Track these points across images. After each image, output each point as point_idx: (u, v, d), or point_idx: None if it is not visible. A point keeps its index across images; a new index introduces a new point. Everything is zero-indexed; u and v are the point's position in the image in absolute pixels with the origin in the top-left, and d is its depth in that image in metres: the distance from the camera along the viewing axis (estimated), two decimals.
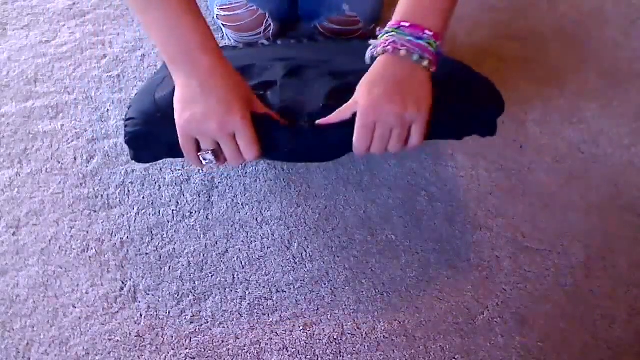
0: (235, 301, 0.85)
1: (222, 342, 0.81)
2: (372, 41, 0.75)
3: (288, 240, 0.91)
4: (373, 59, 0.74)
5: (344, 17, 1.11)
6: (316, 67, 0.84)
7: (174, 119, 0.71)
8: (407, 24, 0.71)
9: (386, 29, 0.73)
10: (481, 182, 0.98)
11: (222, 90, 0.69)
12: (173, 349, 0.81)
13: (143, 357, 0.80)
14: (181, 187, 0.97)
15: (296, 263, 0.89)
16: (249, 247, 0.90)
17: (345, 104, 0.74)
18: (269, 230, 0.92)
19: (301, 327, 0.82)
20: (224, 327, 0.82)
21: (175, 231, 0.92)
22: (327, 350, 0.80)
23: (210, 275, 0.88)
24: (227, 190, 0.97)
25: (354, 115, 0.72)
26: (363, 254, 0.90)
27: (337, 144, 0.76)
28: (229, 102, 0.69)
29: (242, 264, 0.89)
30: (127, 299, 0.85)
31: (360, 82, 0.73)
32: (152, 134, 0.76)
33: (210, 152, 0.71)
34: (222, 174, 0.99)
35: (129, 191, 0.97)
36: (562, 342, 0.81)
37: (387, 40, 0.72)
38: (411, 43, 0.71)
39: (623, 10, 1.28)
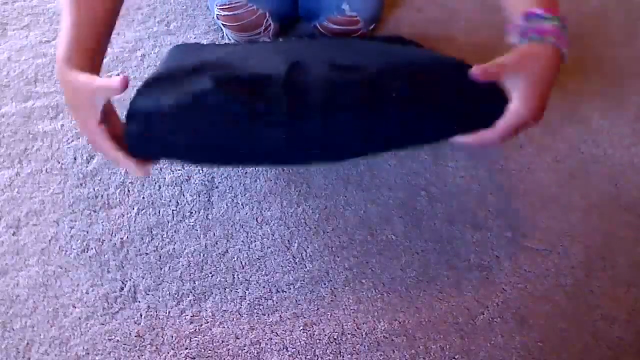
0: (235, 301, 0.85)
1: (222, 342, 0.81)
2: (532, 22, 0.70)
3: (288, 240, 0.91)
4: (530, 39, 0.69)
5: (344, 17, 1.11)
6: (317, 62, 0.80)
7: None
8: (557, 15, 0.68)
9: (547, 15, 0.68)
10: (481, 182, 0.98)
11: (75, 99, 0.70)
12: (173, 349, 0.81)
13: (143, 357, 0.80)
14: (181, 187, 0.97)
15: (296, 263, 0.89)
16: (249, 247, 0.91)
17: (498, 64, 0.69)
18: (269, 230, 0.92)
19: (301, 327, 0.82)
20: (224, 327, 0.82)
21: (175, 231, 0.92)
22: (327, 350, 0.80)
23: (210, 275, 0.88)
24: (227, 190, 0.97)
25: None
26: (363, 254, 0.90)
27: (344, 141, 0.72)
28: (82, 112, 0.70)
29: (242, 264, 0.89)
30: (127, 299, 0.85)
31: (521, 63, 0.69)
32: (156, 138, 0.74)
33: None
34: (222, 174, 0.99)
35: (129, 191, 0.97)
36: (562, 342, 0.81)
37: (555, 29, 0.67)
38: (565, 36, 0.66)
39: (623, 10, 1.28)
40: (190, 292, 0.86)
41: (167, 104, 0.72)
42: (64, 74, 0.70)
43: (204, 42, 1.19)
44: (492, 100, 0.78)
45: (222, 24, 1.15)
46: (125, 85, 0.67)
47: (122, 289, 0.86)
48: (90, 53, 0.73)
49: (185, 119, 0.72)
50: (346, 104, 0.72)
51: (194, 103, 0.72)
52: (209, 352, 0.80)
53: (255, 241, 0.91)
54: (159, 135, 0.73)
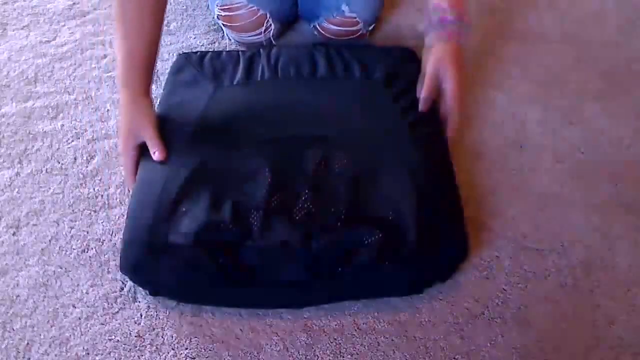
0: None
1: (222, 342, 0.81)
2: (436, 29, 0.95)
3: None
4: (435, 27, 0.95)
5: (344, 18, 1.11)
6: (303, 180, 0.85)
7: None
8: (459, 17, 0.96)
9: (451, 16, 0.95)
10: (481, 182, 0.98)
11: (123, 123, 0.89)
12: (173, 349, 0.80)
13: (143, 357, 0.80)
14: None
15: None
16: None
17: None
18: None
19: (301, 327, 0.82)
20: (224, 327, 0.82)
21: None
22: (327, 351, 0.80)
23: None
24: None
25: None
26: None
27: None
28: (121, 137, 0.89)
29: None
30: (127, 299, 0.85)
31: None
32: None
33: None
34: None
35: (129, 191, 0.97)
36: (562, 342, 0.81)
37: (458, 31, 0.96)
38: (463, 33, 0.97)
39: (623, 10, 1.28)
40: None
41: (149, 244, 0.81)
42: (131, 101, 0.87)
43: (204, 42, 1.19)
44: (452, 243, 0.85)
45: (223, 24, 1.15)
46: (160, 159, 0.87)
47: (122, 289, 0.86)
48: (147, 71, 0.89)
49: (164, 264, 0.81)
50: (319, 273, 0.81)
51: (171, 254, 0.80)
52: (209, 352, 0.80)
53: None
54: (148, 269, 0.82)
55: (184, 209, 0.81)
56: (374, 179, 0.85)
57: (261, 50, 1.06)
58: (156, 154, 0.86)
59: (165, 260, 0.80)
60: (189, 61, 1.05)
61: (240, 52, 1.06)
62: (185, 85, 1.00)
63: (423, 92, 0.94)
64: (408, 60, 1.06)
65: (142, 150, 0.89)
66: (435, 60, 0.94)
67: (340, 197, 0.83)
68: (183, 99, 0.97)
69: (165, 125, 0.91)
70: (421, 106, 0.95)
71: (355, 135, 0.90)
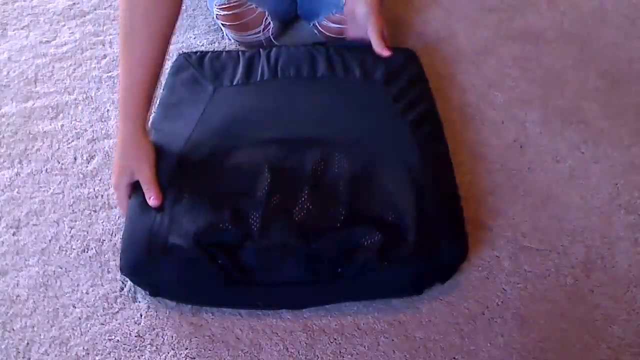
0: None
1: (222, 342, 0.81)
2: None
3: None
4: None
5: (343, 16, 1.11)
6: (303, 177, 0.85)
7: None
8: None
9: None
10: (481, 182, 0.98)
11: (119, 158, 0.86)
12: (173, 349, 0.81)
13: (143, 357, 0.80)
14: None
15: None
16: None
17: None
18: None
19: (301, 327, 0.82)
20: (224, 327, 0.82)
21: None
22: (327, 351, 0.80)
23: None
24: None
25: None
26: None
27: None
28: (115, 173, 0.86)
29: None
30: (127, 299, 0.85)
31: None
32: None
33: None
34: None
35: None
36: (562, 342, 0.81)
37: None
38: None
39: (623, 10, 1.28)
40: None
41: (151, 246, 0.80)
42: (130, 138, 0.84)
43: (204, 42, 1.19)
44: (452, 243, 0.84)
45: (222, 24, 1.15)
46: (155, 206, 0.82)
47: (122, 289, 0.86)
48: (148, 104, 0.86)
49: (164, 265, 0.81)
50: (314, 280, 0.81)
51: (171, 255, 0.80)
52: (209, 352, 0.80)
53: None
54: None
55: (183, 210, 0.81)
56: (373, 179, 0.85)
57: (261, 50, 1.06)
58: (152, 199, 0.82)
59: (165, 262, 0.80)
60: (189, 61, 1.05)
61: (240, 52, 1.06)
62: (184, 85, 1.00)
63: (382, 49, 1.02)
64: (408, 60, 1.06)
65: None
66: (378, 14, 1.03)
67: (339, 197, 0.82)
68: (182, 98, 0.97)
69: (163, 127, 0.91)
70: (385, 51, 1.02)
71: (355, 135, 0.90)
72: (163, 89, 1.02)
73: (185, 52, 1.09)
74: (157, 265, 0.80)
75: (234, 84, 0.99)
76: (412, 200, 0.82)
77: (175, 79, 1.02)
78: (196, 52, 1.08)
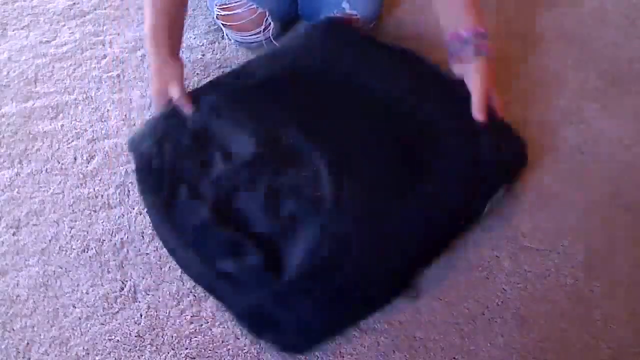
0: None
1: (222, 342, 0.81)
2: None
3: None
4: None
5: (344, 16, 1.11)
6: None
7: None
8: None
9: (484, 34, 0.95)
10: None
11: (153, 83, 0.97)
12: (173, 349, 0.81)
13: (143, 357, 0.80)
14: None
15: None
16: None
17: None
18: None
19: None
20: (224, 327, 0.82)
21: None
22: (327, 351, 0.80)
23: None
24: None
25: None
26: None
27: None
28: (154, 87, 0.97)
29: None
30: (127, 299, 0.85)
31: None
32: None
33: None
34: None
35: (129, 191, 0.97)
36: (562, 342, 0.81)
37: (489, 45, 0.96)
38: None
39: (623, 10, 1.28)
40: (190, 292, 0.86)
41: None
42: (161, 62, 0.95)
43: (204, 42, 1.19)
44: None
45: (222, 24, 1.15)
46: (188, 111, 0.95)
47: (122, 289, 0.86)
48: (177, 32, 1.00)
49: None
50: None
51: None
52: (209, 352, 0.80)
53: None
54: None
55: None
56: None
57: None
58: (185, 107, 0.94)
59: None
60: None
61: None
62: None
63: (479, 112, 0.93)
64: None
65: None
66: (485, 80, 0.94)
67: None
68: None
69: None
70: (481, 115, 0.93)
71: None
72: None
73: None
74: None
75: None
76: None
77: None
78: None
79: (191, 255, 0.83)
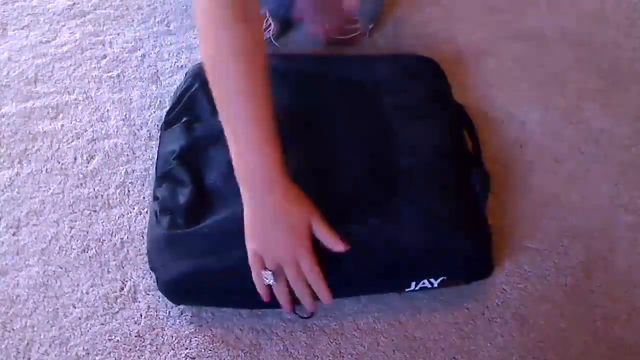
0: None
1: (222, 342, 0.81)
2: None
3: None
4: None
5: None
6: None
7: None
8: None
9: None
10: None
11: (292, 218, 0.72)
12: (173, 349, 0.81)
13: (143, 357, 0.80)
14: None
15: None
16: None
17: None
18: None
19: (301, 327, 0.82)
20: (224, 327, 0.82)
21: None
22: (327, 351, 0.80)
23: None
24: None
25: None
26: None
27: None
28: (298, 232, 0.72)
29: None
30: (127, 299, 0.85)
31: None
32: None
33: (271, 272, 0.74)
34: None
35: (129, 191, 0.97)
36: (562, 342, 0.81)
37: None
38: None
39: (623, 10, 1.28)
40: None
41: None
42: (289, 182, 0.73)
43: None
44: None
45: None
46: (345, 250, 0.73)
47: (122, 289, 0.86)
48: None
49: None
50: None
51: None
52: (209, 352, 0.80)
53: None
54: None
55: None
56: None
57: None
58: (339, 245, 0.73)
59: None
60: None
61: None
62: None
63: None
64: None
65: None
66: None
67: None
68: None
69: None
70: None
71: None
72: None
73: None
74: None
75: None
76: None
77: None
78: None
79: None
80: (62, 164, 1.01)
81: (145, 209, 0.94)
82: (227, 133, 0.72)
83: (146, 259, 0.88)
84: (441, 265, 0.81)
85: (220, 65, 0.72)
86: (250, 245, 0.74)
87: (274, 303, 0.78)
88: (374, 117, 0.94)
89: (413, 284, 0.81)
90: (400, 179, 0.85)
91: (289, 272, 0.73)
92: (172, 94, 1.04)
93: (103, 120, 1.07)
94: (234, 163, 0.73)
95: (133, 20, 1.25)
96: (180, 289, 0.80)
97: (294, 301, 0.77)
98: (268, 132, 0.71)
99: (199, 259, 0.79)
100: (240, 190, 0.74)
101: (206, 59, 0.74)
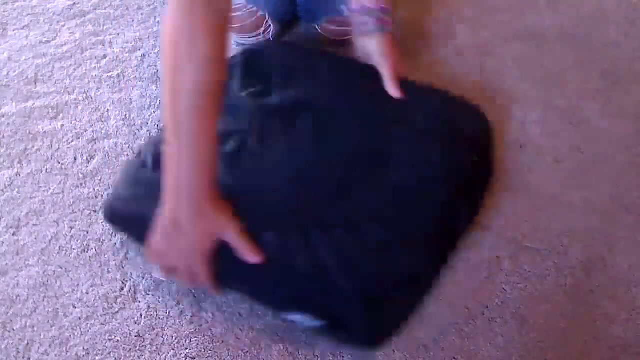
0: (235, 301, 0.85)
1: (222, 342, 0.81)
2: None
3: None
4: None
5: (344, 19, 1.11)
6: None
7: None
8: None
9: (388, 10, 0.97)
10: None
11: (196, 235, 0.76)
12: (173, 349, 0.81)
13: (143, 357, 0.80)
14: None
15: None
16: None
17: None
18: None
19: (301, 327, 0.82)
20: (224, 327, 0.82)
21: None
22: (327, 351, 0.80)
23: None
24: None
25: None
26: None
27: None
28: (199, 249, 0.76)
29: None
30: (127, 299, 0.85)
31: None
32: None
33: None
34: None
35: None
36: (562, 342, 0.81)
37: (390, 20, 0.97)
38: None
39: (623, 10, 1.28)
40: (190, 292, 0.86)
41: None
42: (209, 204, 0.75)
43: None
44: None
45: None
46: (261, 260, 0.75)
47: (122, 289, 0.86)
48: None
49: None
50: None
51: None
52: (209, 352, 0.80)
53: None
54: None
55: None
56: None
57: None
58: (250, 255, 0.76)
59: None
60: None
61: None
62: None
63: (397, 91, 0.92)
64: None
65: None
66: (394, 55, 0.95)
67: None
68: None
69: None
70: (397, 93, 0.93)
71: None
72: None
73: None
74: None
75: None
76: None
77: None
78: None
79: None
80: (62, 164, 1.01)
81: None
82: (169, 137, 0.73)
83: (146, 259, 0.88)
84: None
85: (179, 75, 0.71)
86: (150, 246, 0.79)
87: None
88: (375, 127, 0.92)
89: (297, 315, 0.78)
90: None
91: (179, 280, 0.80)
92: None
93: (103, 120, 1.07)
94: (167, 166, 0.75)
95: (133, 20, 1.25)
96: (117, 219, 0.88)
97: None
98: (209, 153, 0.74)
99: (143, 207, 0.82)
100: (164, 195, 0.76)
101: (166, 61, 0.73)
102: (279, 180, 0.85)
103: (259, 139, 0.88)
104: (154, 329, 0.82)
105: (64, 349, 0.81)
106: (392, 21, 0.97)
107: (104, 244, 0.91)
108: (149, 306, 0.84)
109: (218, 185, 0.76)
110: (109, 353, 0.80)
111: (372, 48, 0.96)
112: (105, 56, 1.18)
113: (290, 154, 0.88)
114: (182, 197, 0.74)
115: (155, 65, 1.15)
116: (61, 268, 0.88)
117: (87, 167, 1.00)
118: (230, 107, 0.89)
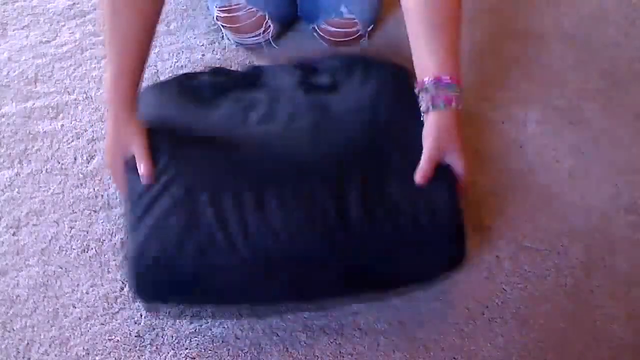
0: None
1: (222, 342, 0.81)
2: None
3: None
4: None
5: (342, 20, 1.11)
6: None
7: None
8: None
9: (452, 84, 0.80)
10: (481, 182, 0.98)
11: (116, 137, 0.83)
12: (173, 349, 0.81)
13: (143, 357, 0.80)
14: None
15: None
16: None
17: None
18: None
19: (301, 327, 0.82)
20: (224, 327, 0.82)
21: None
22: (327, 351, 0.80)
23: None
24: None
25: None
26: None
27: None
28: (112, 151, 0.84)
29: None
30: (127, 299, 0.85)
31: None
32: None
33: None
34: None
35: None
36: (562, 342, 0.81)
37: (457, 96, 0.80)
38: (461, 98, 0.81)
39: (623, 10, 1.28)
40: None
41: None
42: (121, 115, 0.83)
43: (204, 42, 1.19)
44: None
45: (222, 25, 1.15)
46: (147, 180, 0.79)
47: (122, 289, 0.86)
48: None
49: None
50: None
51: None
52: (209, 352, 0.80)
53: None
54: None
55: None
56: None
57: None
58: (142, 167, 0.79)
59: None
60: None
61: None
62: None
63: (420, 177, 0.79)
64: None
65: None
66: (435, 138, 0.80)
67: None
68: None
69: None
70: (420, 179, 0.79)
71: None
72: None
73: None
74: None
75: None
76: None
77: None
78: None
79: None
80: (62, 164, 1.01)
81: None
82: (105, 40, 0.84)
83: None
84: None
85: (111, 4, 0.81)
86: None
87: None
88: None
89: None
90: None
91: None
92: None
93: (103, 120, 1.07)
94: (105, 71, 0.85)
95: None
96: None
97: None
98: (128, 65, 0.83)
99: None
100: None
101: None
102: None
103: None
104: (154, 329, 0.82)
105: (64, 349, 0.81)
106: (458, 94, 0.79)
107: (104, 244, 0.91)
108: None
109: (136, 101, 0.84)
110: (109, 353, 0.80)
111: (426, 154, 0.80)
112: (105, 56, 1.18)
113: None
114: (109, 101, 0.84)
115: (155, 65, 1.15)
116: (61, 268, 0.88)
117: (87, 167, 1.00)
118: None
